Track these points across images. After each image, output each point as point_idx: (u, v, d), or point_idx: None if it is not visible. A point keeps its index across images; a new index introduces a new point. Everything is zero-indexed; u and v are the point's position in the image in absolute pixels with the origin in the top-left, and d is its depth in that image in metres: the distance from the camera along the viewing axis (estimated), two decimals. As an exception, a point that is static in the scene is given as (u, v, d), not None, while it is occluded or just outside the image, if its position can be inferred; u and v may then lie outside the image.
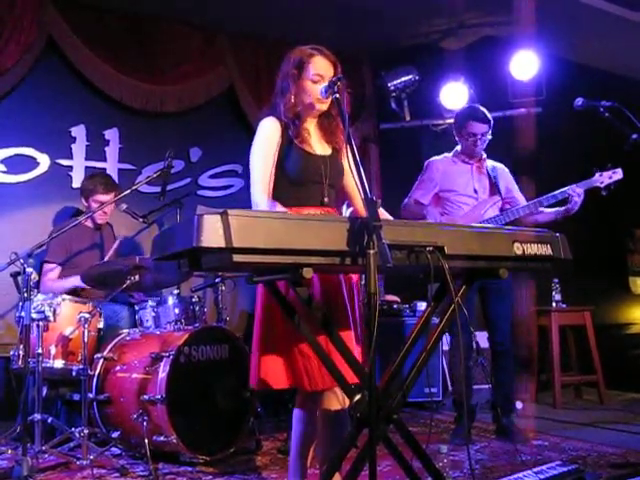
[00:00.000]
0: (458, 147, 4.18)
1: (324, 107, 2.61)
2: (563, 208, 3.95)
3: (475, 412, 4.17)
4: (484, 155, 4.15)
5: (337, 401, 2.50)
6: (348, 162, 2.21)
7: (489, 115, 4.08)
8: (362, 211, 2.68)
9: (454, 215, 4.05)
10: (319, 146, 2.67)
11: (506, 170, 4.22)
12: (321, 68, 2.56)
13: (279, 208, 2.49)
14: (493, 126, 4.08)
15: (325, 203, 2.61)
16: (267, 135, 2.60)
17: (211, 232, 1.78)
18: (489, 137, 4.07)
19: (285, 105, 2.59)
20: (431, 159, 4.24)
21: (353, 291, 2.60)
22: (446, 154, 4.23)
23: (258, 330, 2.58)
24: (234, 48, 5.73)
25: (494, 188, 4.08)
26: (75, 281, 4.14)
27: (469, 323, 3.63)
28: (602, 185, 3.91)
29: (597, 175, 3.92)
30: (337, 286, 2.51)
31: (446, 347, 5.21)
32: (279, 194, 2.57)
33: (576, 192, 3.88)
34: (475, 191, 4.07)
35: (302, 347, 2.43)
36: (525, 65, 5.40)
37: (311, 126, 2.68)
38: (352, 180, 2.70)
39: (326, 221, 1.99)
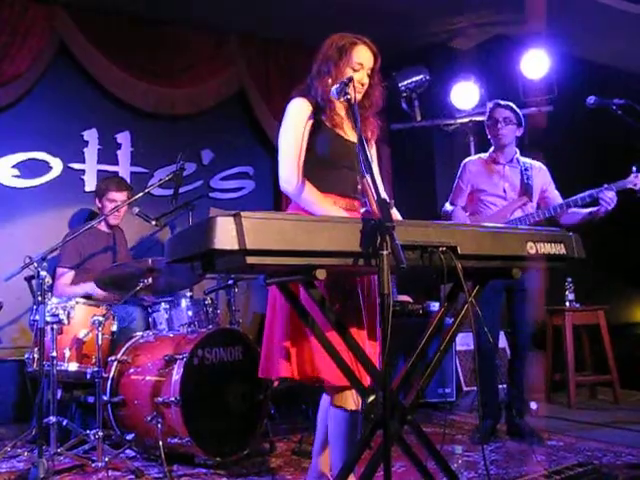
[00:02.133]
0: (492, 148, 4.21)
1: (358, 96, 2.56)
2: (596, 209, 3.83)
3: (501, 410, 4.14)
4: (517, 154, 4.15)
5: (352, 401, 2.49)
6: (358, 161, 2.20)
7: (515, 107, 4.11)
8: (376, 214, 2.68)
9: (484, 215, 4.07)
10: (351, 133, 2.65)
11: (543, 168, 4.18)
12: (363, 57, 2.58)
13: (309, 188, 2.48)
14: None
15: (358, 192, 2.58)
16: (297, 114, 2.58)
17: (224, 234, 1.78)
18: (517, 132, 4.09)
19: (323, 87, 2.57)
20: (465, 160, 4.29)
21: (372, 290, 2.57)
22: (481, 154, 4.28)
23: (282, 322, 2.52)
24: (244, 50, 5.75)
25: (525, 188, 4.06)
26: (89, 288, 4.15)
27: (493, 323, 3.61)
28: (636, 187, 3.76)
29: (632, 176, 3.76)
30: (352, 285, 2.49)
31: (459, 347, 5.21)
32: (312, 176, 2.54)
33: (608, 196, 3.73)
34: (504, 191, 4.07)
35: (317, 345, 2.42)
36: (536, 64, 5.39)
37: (342, 112, 2.66)
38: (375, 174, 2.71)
39: (339, 222, 1.99)
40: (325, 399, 2.68)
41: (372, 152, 2.74)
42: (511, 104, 4.13)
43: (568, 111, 5.21)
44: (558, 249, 2.38)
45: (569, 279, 5.45)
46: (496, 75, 5.67)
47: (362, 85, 2.58)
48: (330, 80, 2.57)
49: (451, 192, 4.29)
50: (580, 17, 5.42)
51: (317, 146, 2.57)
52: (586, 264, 2.52)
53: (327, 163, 2.58)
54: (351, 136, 2.64)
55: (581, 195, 3.83)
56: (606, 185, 3.78)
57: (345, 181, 2.59)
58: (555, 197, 4.10)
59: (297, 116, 2.58)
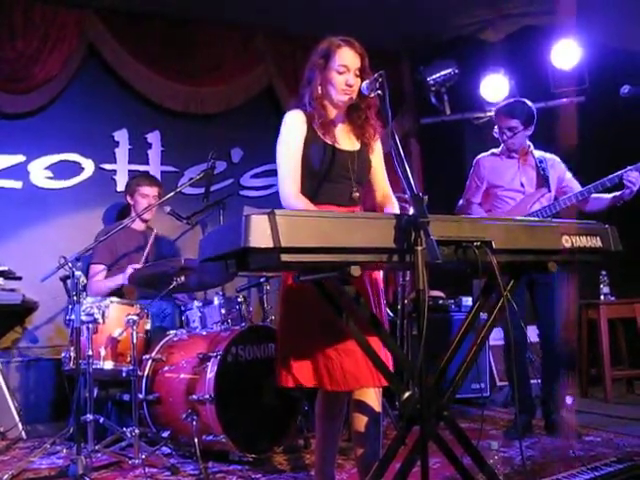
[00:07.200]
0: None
1: (346, 99, 2.56)
2: (620, 193, 3.80)
3: (535, 406, 4.11)
4: (531, 147, 4.10)
5: (376, 400, 2.51)
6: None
7: (531, 107, 4.03)
8: (379, 208, 2.71)
9: (501, 211, 4.01)
10: (347, 140, 2.64)
11: (557, 160, 4.13)
12: (346, 59, 2.54)
13: (309, 206, 2.48)
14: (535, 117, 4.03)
15: (354, 199, 2.60)
16: (292, 128, 2.58)
17: (259, 232, 1.78)
18: (527, 132, 4.01)
19: (311, 95, 2.58)
20: (478, 156, 4.23)
21: (378, 291, 2.59)
22: (493, 150, 4.20)
23: (282, 328, 2.61)
24: (271, 47, 5.76)
25: (542, 180, 4.01)
26: (120, 279, 4.17)
27: (520, 318, 3.58)
28: None
29: None
30: (362, 287, 2.46)
31: (492, 342, 5.16)
32: (306, 189, 2.55)
33: (632, 176, 3.71)
34: (522, 185, 4.03)
35: (324, 347, 2.45)
36: (567, 54, 5.31)
37: (338, 118, 2.65)
38: (377, 176, 2.72)
39: (373, 218, 1.98)
40: (319, 406, 2.72)
41: (374, 156, 2.70)
42: (517, 106, 4.04)
43: (601, 101, 5.12)
44: (594, 242, 2.35)
45: (603, 272, 5.37)
46: (526, 66, 5.59)
47: (350, 87, 2.54)
48: (318, 87, 2.56)
49: (465, 189, 4.22)
50: (611, 4, 5.32)
51: (311, 159, 2.56)
52: (621, 256, 2.48)
53: (321, 176, 2.57)
54: (345, 144, 2.63)
55: (608, 177, 3.77)
56: (629, 167, 3.74)
57: (341, 191, 2.59)
58: (575, 186, 4.04)
59: (291, 131, 2.58)
